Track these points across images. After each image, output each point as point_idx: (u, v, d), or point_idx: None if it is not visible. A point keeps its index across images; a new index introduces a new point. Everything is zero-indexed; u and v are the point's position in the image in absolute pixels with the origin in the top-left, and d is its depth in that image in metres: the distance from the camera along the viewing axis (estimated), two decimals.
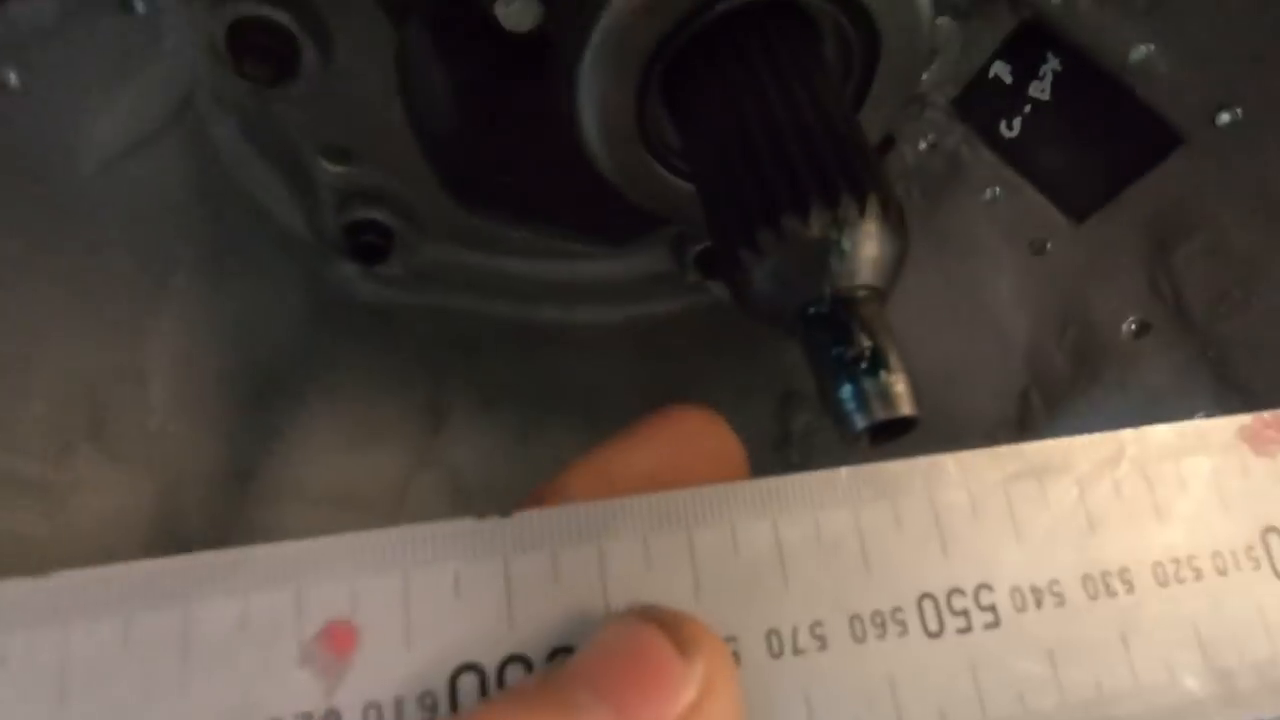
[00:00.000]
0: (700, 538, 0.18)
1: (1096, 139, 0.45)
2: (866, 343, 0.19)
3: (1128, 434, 0.21)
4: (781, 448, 0.54)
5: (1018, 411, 0.49)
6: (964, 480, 0.19)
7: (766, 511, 0.18)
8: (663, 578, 0.17)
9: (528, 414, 0.53)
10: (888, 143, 0.49)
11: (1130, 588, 0.18)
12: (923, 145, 0.51)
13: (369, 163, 0.47)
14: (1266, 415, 0.22)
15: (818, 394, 0.20)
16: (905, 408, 0.19)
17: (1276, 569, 0.19)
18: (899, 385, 0.19)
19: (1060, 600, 0.18)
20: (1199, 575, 0.19)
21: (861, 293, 0.20)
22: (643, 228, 0.54)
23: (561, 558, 0.17)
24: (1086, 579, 0.18)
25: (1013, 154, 0.48)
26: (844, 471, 0.19)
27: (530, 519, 0.17)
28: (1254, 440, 0.21)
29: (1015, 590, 0.18)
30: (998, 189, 0.49)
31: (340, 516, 0.43)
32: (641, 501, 0.18)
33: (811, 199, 0.20)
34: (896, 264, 0.21)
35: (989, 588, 0.18)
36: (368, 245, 0.48)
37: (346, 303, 0.50)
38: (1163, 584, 0.18)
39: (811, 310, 0.20)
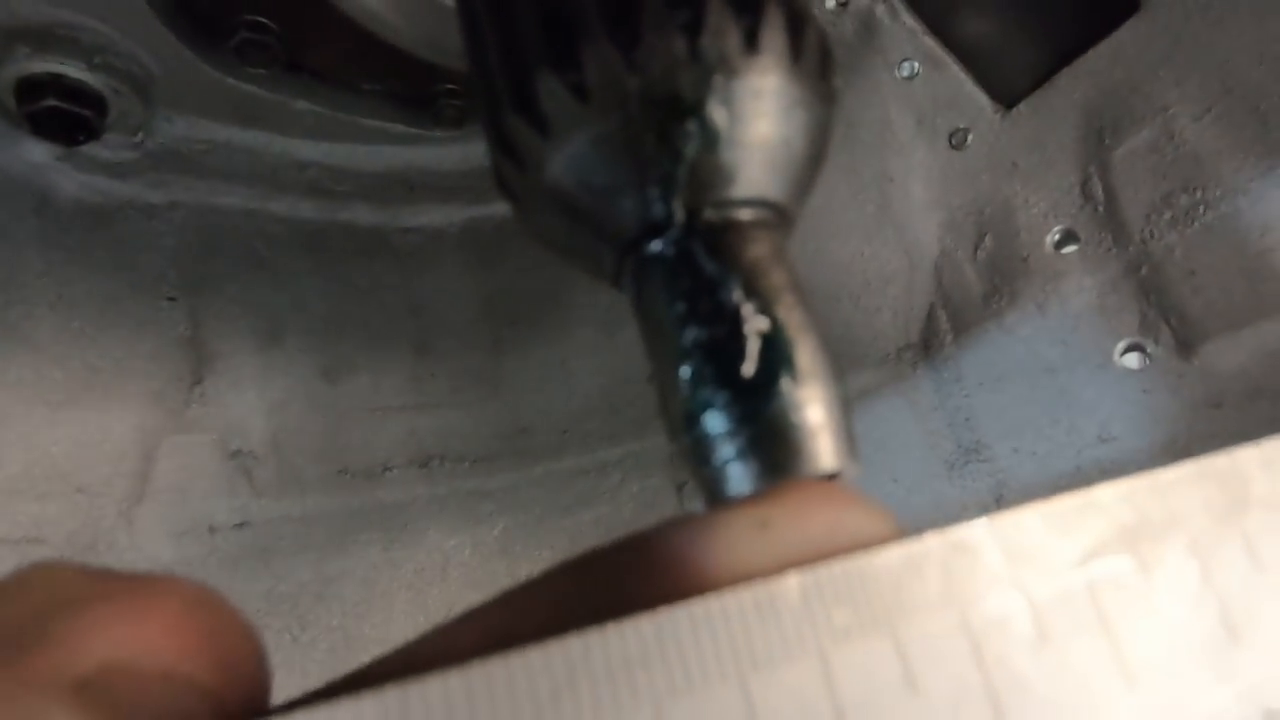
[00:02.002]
0: None
1: (1036, 4, 0.37)
2: (759, 323, 0.09)
3: (1246, 456, 0.13)
4: None
5: (922, 334, 0.42)
6: (1014, 573, 0.10)
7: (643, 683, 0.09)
8: None
9: (334, 347, 0.41)
10: None
11: None
12: (831, 4, 0.41)
13: None
14: None
15: (659, 406, 0.10)
16: (824, 460, 0.09)
17: None
18: (814, 414, 0.09)
19: None
20: None
21: (745, 214, 0.10)
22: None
23: None
24: None
25: (937, 19, 0.39)
26: (793, 582, 0.09)
27: None
28: None
29: None
30: (916, 63, 0.40)
31: (40, 509, 0.31)
32: None
33: (645, 12, 0.09)
34: (814, 155, 0.11)
35: None
36: (57, 114, 0.33)
37: (40, 201, 0.34)
38: None
39: (650, 247, 0.10)
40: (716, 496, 0.10)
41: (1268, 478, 0.12)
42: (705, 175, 0.10)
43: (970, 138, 0.39)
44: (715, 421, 0.09)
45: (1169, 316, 0.35)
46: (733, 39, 0.09)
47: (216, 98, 0.38)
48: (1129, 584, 0.10)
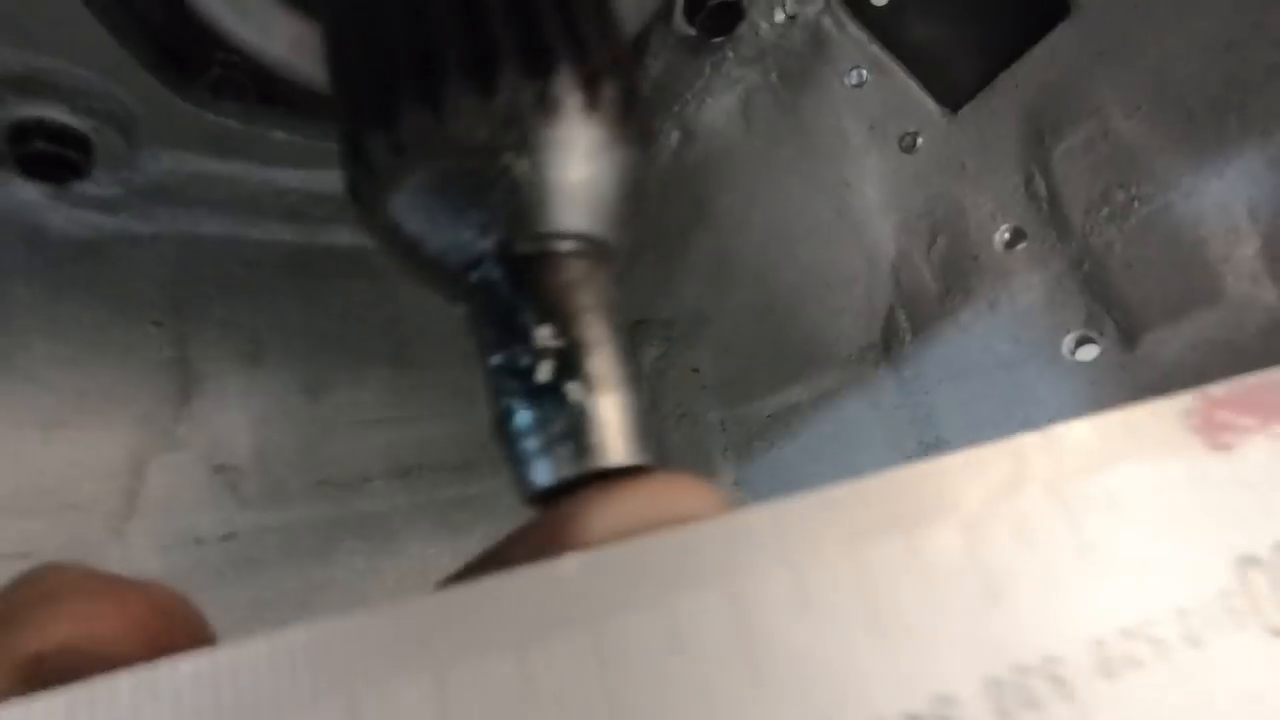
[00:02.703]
0: None
1: (974, 8, 0.38)
2: (549, 341, 0.11)
3: (1029, 441, 0.14)
4: None
5: (883, 334, 0.43)
6: (782, 550, 0.11)
7: (424, 664, 0.10)
8: None
9: (314, 364, 0.43)
10: (734, 12, 0.39)
11: (1065, 690, 0.11)
12: (780, 17, 0.42)
13: (22, 37, 0.33)
14: (1217, 392, 0.15)
15: (490, 417, 0.12)
16: (612, 455, 0.11)
17: (1270, 623, 0.13)
18: (606, 414, 0.11)
19: None
20: (1163, 653, 0.12)
21: (557, 246, 0.11)
22: None
23: None
24: (992, 686, 0.11)
25: (882, 27, 0.40)
26: (573, 561, 0.11)
27: None
28: (1206, 429, 0.15)
29: None
30: (864, 71, 0.41)
31: (31, 525, 0.33)
32: None
33: (449, 77, 0.11)
34: (622, 190, 0.12)
35: None
36: (45, 157, 0.35)
37: (31, 236, 0.37)
38: (1110, 676, 0.12)
39: (472, 276, 0.12)
40: (525, 489, 0.11)
41: (1045, 460, 0.13)
42: (512, 215, 0.11)
43: (920, 141, 0.40)
44: (518, 423, 0.11)
45: (1111, 309, 0.36)
46: (526, 96, 0.11)
47: (196, 132, 0.40)
48: (895, 558, 0.11)
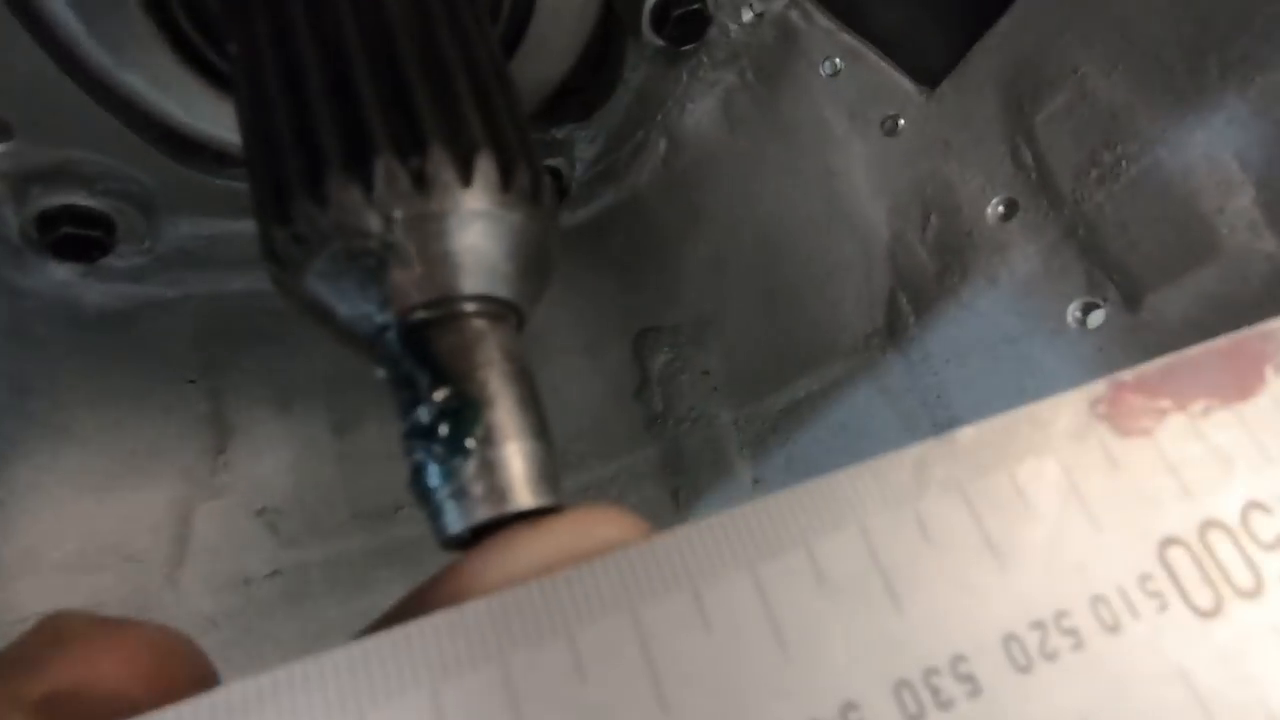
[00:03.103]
0: None
1: None
2: (449, 401, 0.12)
3: (927, 446, 0.15)
4: (642, 393, 0.48)
5: (886, 318, 0.43)
6: (686, 573, 0.12)
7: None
8: None
9: (341, 403, 0.46)
10: (700, 19, 0.40)
11: (974, 687, 0.12)
12: (748, 16, 0.42)
13: (43, 136, 0.36)
14: (1127, 377, 0.15)
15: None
16: (519, 499, 0.12)
17: (1192, 602, 0.13)
18: (509, 462, 0.12)
19: None
20: (1079, 642, 0.12)
21: (455, 308, 0.12)
22: None
23: None
24: (901, 688, 0.12)
25: (849, 14, 0.40)
26: (480, 604, 0.12)
27: None
28: (1116, 415, 0.15)
29: None
30: (838, 59, 0.41)
31: (97, 580, 0.36)
32: None
33: (329, 169, 0.12)
34: (519, 252, 0.13)
35: None
36: (74, 239, 0.38)
37: (70, 313, 0.40)
38: (1024, 669, 0.12)
39: (379, 346, 0.13)
40: (439, 533, 0.12)
41: (945, 464, 0.13)
42: (404, 288, 0.12)
43: (901, 123, 0.40)
44: (429, 478, 0.12)
45: (1111, 273, 0.35)
46: (402, 181, 0.12)
47: (208, 197, 0.43)
48: (796, 572, 0.12)
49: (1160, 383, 0.16)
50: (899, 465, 0.15)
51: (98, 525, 0.37)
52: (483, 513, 0.12)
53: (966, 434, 0.15)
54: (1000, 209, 0.38)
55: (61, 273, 0.40)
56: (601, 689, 0.11)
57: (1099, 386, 0.16)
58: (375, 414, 0.46)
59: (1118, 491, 0.14)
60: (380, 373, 0.13)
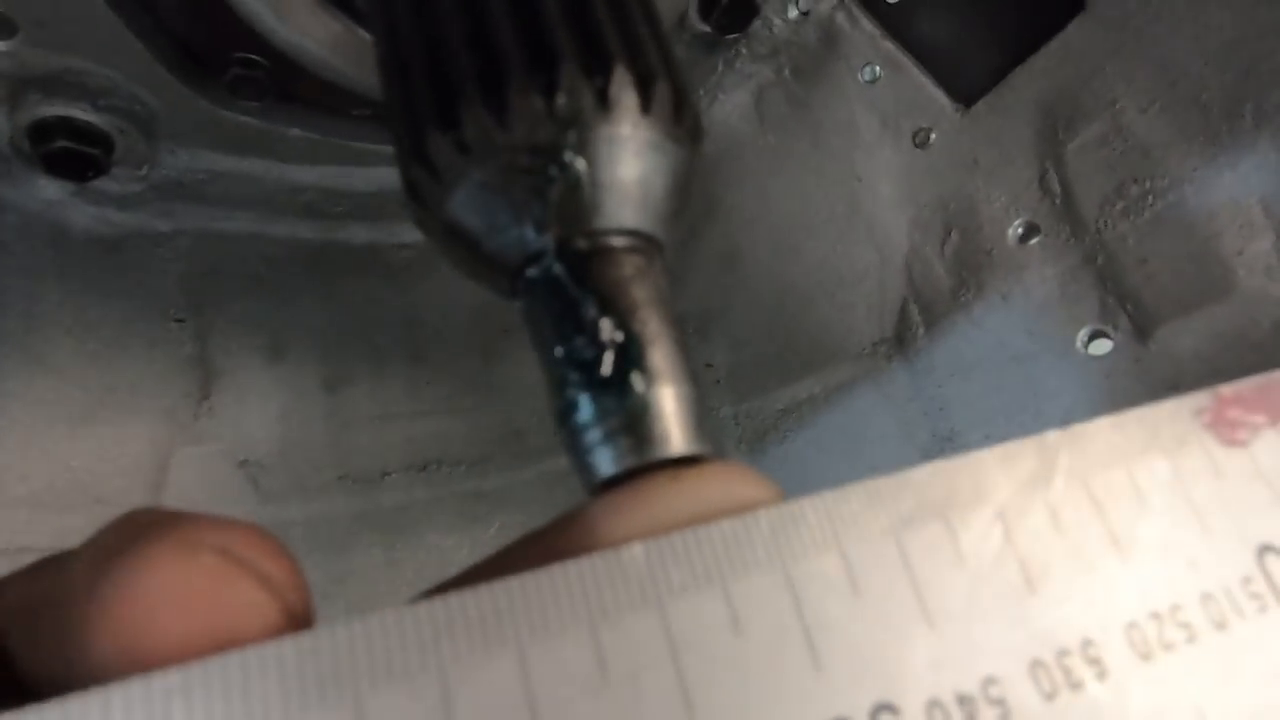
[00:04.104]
0: None
1: (987, 4, 0.38)
2: (611, 334, 0.11)
3: (1053, 437, 0.15)
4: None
5: (895, 328, 0.44)
6: (834, 535, 0.12)
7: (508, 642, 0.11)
8: None
9: (333, 359, 0.44)
10: (748, 10, 0.40)
11: (1101, 671, 0.12)
12: (793, 13, 0.42)
13: (47, 38, 0.33)
14: (1226, 391, 0.16)
15: (550, 405, 0.12)
16: (673, 445, 0.11)
17: None
18: (665, 406, 0.11)
19: (1003, 710, 0.11)
20: (1191, 635, 0.13)
21: (612, 241, 0.12)
22: None
23: None
24: (1036, 668, 0.12)
25: (895, 23, 0.40)
26: (638, 550, 0.11)
27: None
28: (1219, 426, 0.15)
29: (934, 706, 0.11)
30: (878, 67, 0.41)
31: (63, 520, 0.33)
32: None
33: (511, 75, 0.11)
34: (673, 188, 0.12)
35: (892, 709, 0.11)
36: (68, 154, 0.35)
37: (55, 235, 0.37)
38: (1145, 658, 0.12)
39: (530, 271, 0.12)
40: (587, 478, 0.12)
41: (1070, 454, 0.13)
42: (570, 212, 0.11)
43: (933, 136, 0.41)
44: (582, 416, 0.11)
45: (1125, 304, 0.36)
46: (586, 97, 0.11)
47: (215, 130, 0.40)
48: (937, 545, 0.12)
49: (1257, 398, 0.16)
50: (1026, 453, 0.15)
51: (69, 462, 0.34)
52: (638, 458, 0.11)
53: (1087, 428, 0.15)
54: (1020, 230, 0.39)
55: (50, 189, 0.37)
56: (757, 643, 0.11)
57: (1202, 397, 0.16)
58: (368, 374, 0.44)
59: (1221, 495, 0.15)
60: (521, 304, 0.13)
